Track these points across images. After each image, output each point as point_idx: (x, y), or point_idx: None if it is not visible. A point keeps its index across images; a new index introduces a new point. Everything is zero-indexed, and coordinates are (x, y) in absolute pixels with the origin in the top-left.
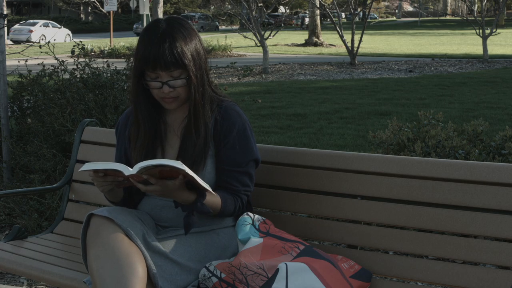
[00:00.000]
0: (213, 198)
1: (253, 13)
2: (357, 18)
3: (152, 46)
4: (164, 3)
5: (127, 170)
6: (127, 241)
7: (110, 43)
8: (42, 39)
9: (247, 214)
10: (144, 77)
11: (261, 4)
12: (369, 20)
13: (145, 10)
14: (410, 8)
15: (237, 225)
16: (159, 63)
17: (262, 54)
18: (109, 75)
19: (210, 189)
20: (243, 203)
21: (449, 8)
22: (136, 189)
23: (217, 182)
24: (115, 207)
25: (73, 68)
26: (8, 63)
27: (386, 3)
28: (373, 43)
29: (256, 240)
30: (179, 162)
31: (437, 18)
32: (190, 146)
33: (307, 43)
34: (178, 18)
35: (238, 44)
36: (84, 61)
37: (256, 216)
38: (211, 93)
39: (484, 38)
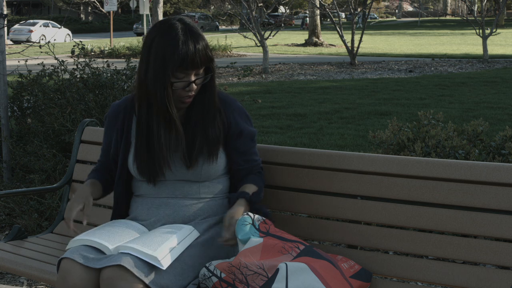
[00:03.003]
0: (257, 194)
1: (253, 13)
2: (356, 18)
3: (188, 44)
4: (164, 3)
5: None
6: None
7: (110, 43)
8: (42, 39)
9: (247, 214)
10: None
11: (261, 4)
12: (369, 20)
13: (145, 10)
14: (410, 8)
15: (237, 225)
16: (196, 61)
17: (262, 54)
18: (109, 75)
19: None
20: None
21: (449, 8)
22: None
23: (241, 164)
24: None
25: (73, 68)
26: (8, 63)
27: (386, 3)
28: (373, 43)
29: (256, 240)
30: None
31: (437, 18)
32: (211, 137)
33: (307, 43)
34: (187, 18)
35: (238, 44)
36: (84, 61)
37: (256, 216)
38: None
39: (484, 38)
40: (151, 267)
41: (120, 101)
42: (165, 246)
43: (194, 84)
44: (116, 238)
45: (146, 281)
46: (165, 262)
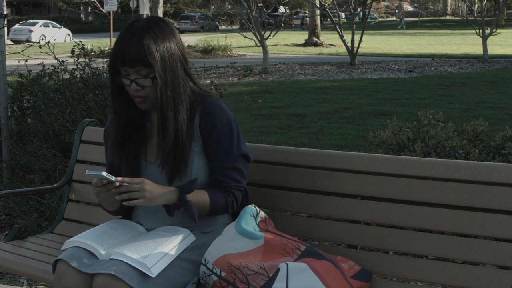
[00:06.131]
0: (199, 196)
1: (253, 13)
2: (357, 18)
3: (122, 43)
4: (164, 3)
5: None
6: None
7: (110, 43)
8: (42, 39)
9: (254, 207)
10: (116, 74)
11: (261, 4)
12: (369, 20)
13: (145, 10)
14: (410, 8)
15: (244, 213)
16: (125, 59)
17: (262, 54)
18: (109, 75)
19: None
20: (237, 198)
21: (449, 8)
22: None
23: (209, 181)
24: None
25: (73, 68)
26: (8, 63)
27: (386, 3)
28: (373, 43)
29: (257, 242)
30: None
31: (437, 18)
32: (166, 148)
33: (307, 43)
34: (156, 18)
35: (238, 44)
36: (84, 61)
37: (262, 212)
38: (193, 91)
39: (484, 38)
40: (142, 273)
41: (111, 117)
42: (157, 252)
43: (134, 83)
44: (110, 241)
45: (138, 287)
46: (155, 269)
